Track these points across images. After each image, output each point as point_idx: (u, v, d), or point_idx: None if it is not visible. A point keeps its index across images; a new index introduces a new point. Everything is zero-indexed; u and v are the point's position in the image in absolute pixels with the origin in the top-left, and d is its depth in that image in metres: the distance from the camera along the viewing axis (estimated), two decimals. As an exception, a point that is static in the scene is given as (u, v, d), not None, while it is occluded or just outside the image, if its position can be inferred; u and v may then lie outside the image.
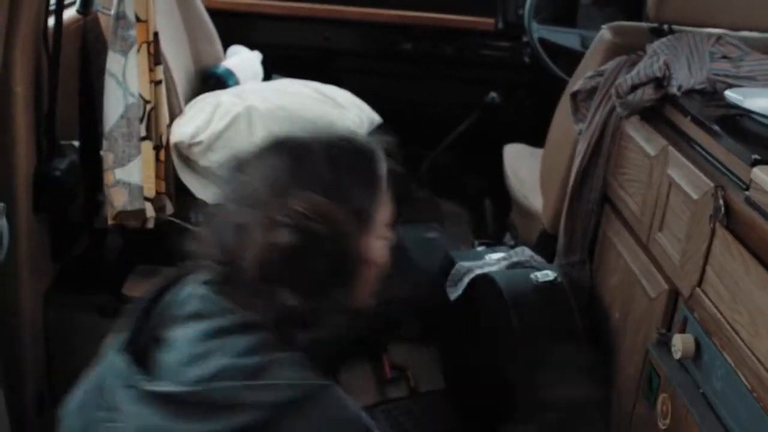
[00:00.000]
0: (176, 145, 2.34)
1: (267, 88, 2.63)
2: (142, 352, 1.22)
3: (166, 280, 1.32)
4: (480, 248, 2.41)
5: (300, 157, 1.26)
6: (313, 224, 1.19)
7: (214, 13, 2.95)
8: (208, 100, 2.40)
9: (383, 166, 1.34)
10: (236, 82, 2.77)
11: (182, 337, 1.20)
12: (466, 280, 2.23)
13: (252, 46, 3.05)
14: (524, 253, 2.25)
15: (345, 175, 1.27)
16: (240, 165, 1.30)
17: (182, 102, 2.48)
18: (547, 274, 2.08)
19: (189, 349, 1.18)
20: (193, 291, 1.25)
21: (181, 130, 2.35)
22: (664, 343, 1.63)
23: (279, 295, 1.19)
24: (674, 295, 1.68)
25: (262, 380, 1.13)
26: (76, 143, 2.29)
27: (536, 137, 2.77)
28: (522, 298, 2.03)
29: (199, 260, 1.27)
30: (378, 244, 1.32)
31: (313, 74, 2.86)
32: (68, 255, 2.38)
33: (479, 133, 3.62)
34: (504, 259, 2.22)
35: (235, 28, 3.26)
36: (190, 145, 2.32)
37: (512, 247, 2.53)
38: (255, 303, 1.21)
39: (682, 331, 1.59)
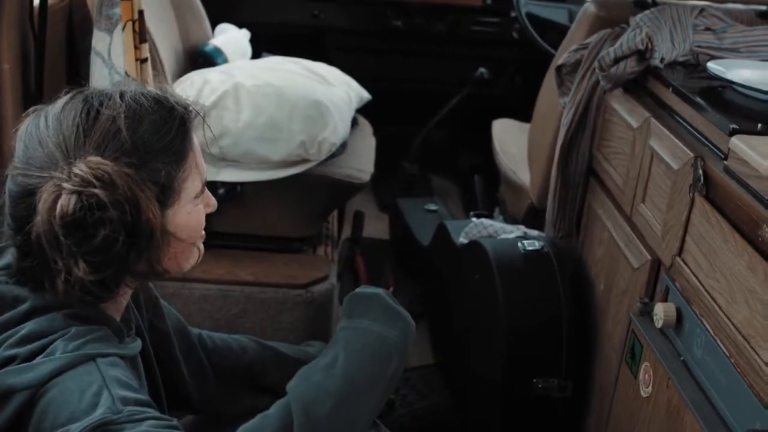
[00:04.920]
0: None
1: (255, 66, 2.62)
2: None
3: None
4: (474, 219, 2.43)
5: (98, 114, 1.13)
6: (97, 191, 1.06)
7: (202, -8, 2.94)
8: (195, 77, 2.40)
9: (193, 135, 1.21)
10: (225, 60, 2.76)
11: None
12: (472, 237, 2.26)
13: (240, 25, 3.04)
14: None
15: (146, 139, 1.13)
16: (38, 119, 1.16)
17: (170, 80, 2.48)
18: (533, 243, 2.09)
19: None
20: None
21: (168, 108, 2.33)
22: (647, 313, 1.65)
23: (67, 268, 1.08)
24: (656, 265, 1.70)
25: (35, 362, 1.06)
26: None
27: (526, 112, 2.77)
28: (508, 264, 2.05)
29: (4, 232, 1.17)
30: (185, 216, 1.20)
31: (302, 52, 2.85)
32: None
33: (469, 109, 3.63)
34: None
35: (223, 7, 3.25)
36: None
37: (505, 221, 2.55)
38: (44, 281, 1.12)
39: (664, 300, 1.61)
